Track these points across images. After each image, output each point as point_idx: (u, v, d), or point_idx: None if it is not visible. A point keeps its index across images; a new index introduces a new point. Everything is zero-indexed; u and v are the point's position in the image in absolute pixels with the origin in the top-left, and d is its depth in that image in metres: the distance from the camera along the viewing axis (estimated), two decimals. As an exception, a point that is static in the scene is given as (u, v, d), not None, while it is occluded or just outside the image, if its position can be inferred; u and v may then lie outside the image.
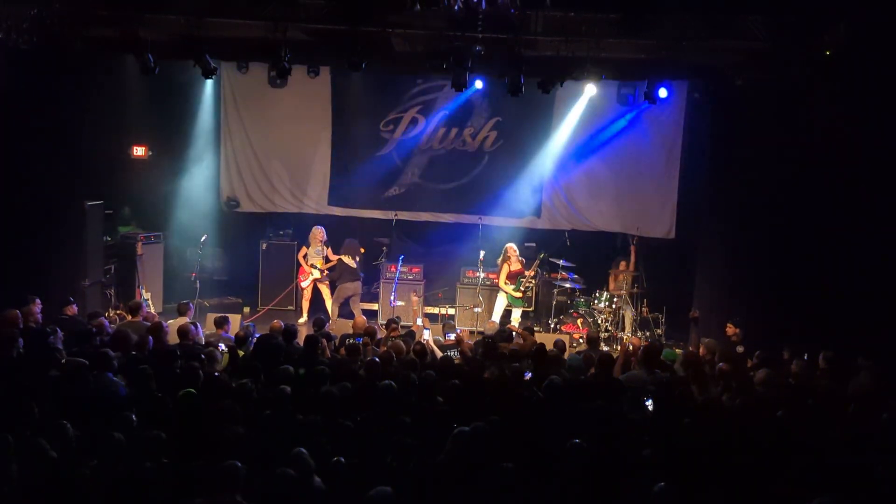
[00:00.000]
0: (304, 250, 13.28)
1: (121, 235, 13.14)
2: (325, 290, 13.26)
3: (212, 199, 14.31)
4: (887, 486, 5.55)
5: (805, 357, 8.81)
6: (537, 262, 12.78)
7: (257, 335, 9.17)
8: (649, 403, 7.19)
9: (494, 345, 9.00)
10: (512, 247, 12.60)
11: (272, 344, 8.40)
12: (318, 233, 13.19)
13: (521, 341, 9.55)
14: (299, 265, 13.38)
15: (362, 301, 13.22)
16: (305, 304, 13.36)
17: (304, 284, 13.25)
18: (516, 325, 11.45)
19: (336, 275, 12.96)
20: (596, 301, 12.67)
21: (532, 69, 10.34)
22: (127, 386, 7.06)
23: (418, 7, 7.50)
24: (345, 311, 12.79)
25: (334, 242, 13.17)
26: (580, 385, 7.60)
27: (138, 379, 7.00)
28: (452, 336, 9.96)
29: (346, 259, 12.86)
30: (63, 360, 7.50)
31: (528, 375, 8.06)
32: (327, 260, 13.11)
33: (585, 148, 13.83)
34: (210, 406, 6.43)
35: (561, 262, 12.73)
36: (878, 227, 9.41)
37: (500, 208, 14.07)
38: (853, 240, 9.63)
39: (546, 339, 10.31)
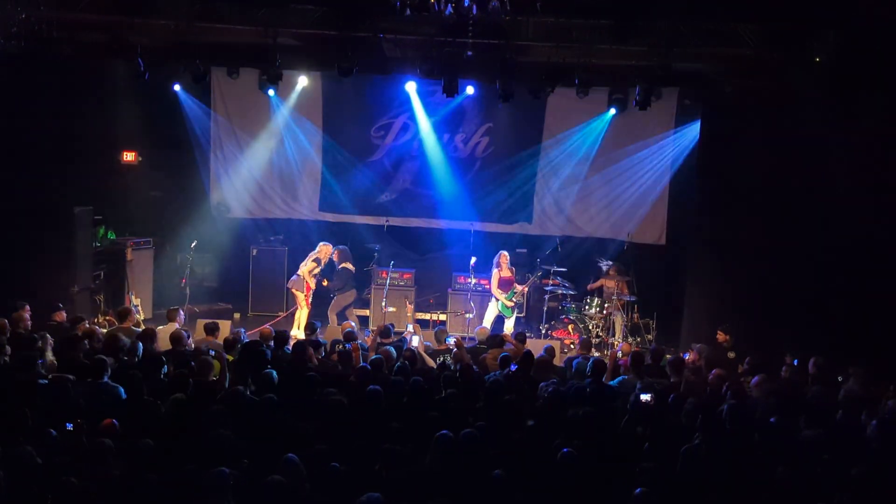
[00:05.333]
0: (313, 266, 12.25)
1: (111, 241, 13.06)
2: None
3: (202, 204, 14.26)
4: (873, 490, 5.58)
5: (795, 363, 8.83)
6: (533, 278, 12.74)
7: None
8: (647, 397, 7.13)
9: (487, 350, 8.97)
10: (504, 254, 12.54)
11: (256, 350, 8.37)
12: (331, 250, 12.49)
13: (514, 348, 9.52)
14: (305, 282, 12.17)
15: (353, 307, 13.09)
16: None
17: (310, 300, 12.44)
18: (509, 333, 11.40)
19: (341, 284, 12.55)
20: (587, 307, 12.66)
21: (523, 75, 10.35)
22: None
23: (409, 12, 7.50)
24: (341, 318, 12.62)
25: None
26: (571, 391, 7.59)
27: (128, 385, 6.96)
28: (451, 340, 9.89)
29: (349, 266, 12.62)
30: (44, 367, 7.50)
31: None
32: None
33: (576, 154, 13.85)
34: (200, 412, 6.40)
35: (552, 268, 12.73)
36: (869, 232, 9.45)
37: (492, 214, 14.08)
38: (844, 245, 9.67)
39: (537, 345, 10.29)
